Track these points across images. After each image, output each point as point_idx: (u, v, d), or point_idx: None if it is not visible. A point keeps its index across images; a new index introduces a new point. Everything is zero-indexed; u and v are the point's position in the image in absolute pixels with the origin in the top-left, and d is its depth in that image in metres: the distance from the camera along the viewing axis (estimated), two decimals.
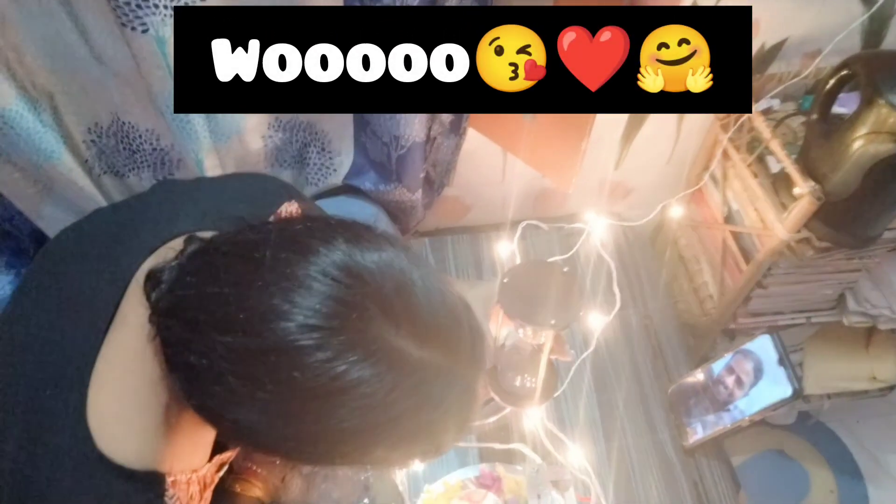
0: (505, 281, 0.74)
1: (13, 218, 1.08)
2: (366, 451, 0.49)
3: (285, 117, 1.09)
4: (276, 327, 0.43)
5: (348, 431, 0.46)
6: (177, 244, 0.54)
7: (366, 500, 0.89)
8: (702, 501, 0.96)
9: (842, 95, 1.02)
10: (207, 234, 0.56)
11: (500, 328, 0.77)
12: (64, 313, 0.54)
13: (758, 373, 0.93)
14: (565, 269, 0.76)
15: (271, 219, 0.65)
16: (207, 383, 0.46)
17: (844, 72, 0.97)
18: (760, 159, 1.16)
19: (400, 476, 0.88)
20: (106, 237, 0.59)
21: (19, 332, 0.56)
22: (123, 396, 0.51)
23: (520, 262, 0.81)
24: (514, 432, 0.97)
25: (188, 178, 1.05)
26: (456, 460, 0.94)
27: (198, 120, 0.98)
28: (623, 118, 1.25)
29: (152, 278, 0.51)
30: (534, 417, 0.96)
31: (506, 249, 1.15)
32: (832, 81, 0.99)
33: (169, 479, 0.52)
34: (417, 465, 0.91)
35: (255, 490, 0.79)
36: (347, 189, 1.19)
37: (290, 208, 0.68)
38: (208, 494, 0.62)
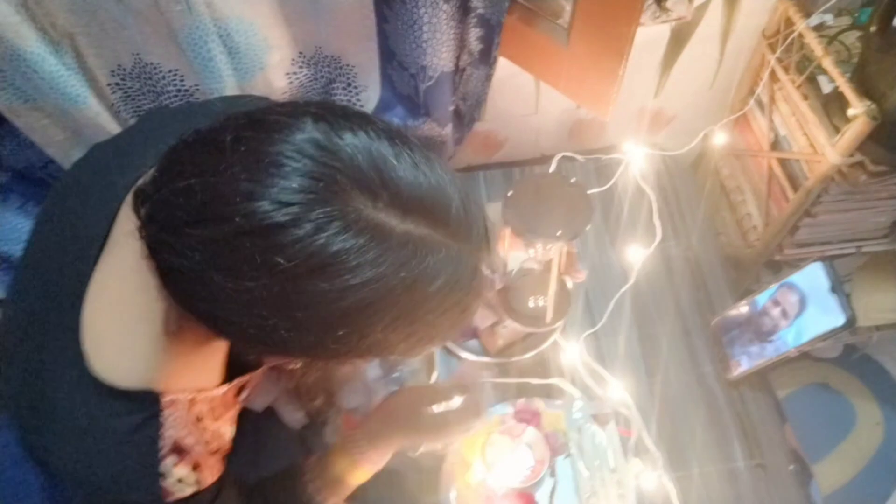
0: (509, 195, 0.71)
1: (46, 165, 1.08)
2: (363, 333, 0.47)
3: (309, 51, 1.05)
4: (245, 209, 0.41)
5: (340, 311, 0.44)
6: None
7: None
8: (747, 434, 0.94)
9: None
10: None
11: (507, 250, 0.74)
12: (63, 243, 0.55)
13: (803, 305, 0.89)
14: (573, 181, 0.72)
15: None
16: (194, 285, 0.45)
17: None
18: (811, 80, 1.09)
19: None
20: (102, 167, 0.60)
21: (28, 269, 0.58)
22: (116, 317, 0.51)
23: (525, 177, 0.78)
24: (552, 367, 0.96)
25: (179, 104, 1.04)
26: (494, 395, 0.93)
27: (220, 57, 0.96)
28: (663, 41, 1.19)
29: (140, 194, 0.49)
30: (572, 352, 0.95)
31: None
32: None
33: (165, 399, 0.52)
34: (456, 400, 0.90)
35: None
36: None
37: None
38: (232, 415, 0.62)
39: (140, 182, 0.52)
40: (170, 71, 1.02)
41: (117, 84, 1.02)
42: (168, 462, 0.53)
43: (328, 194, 0.42)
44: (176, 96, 1.06)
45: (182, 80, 1.04)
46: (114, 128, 1.03)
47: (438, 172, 0.48)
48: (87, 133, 1.02)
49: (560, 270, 0.74)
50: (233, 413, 0.63)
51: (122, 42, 0.96)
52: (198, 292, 0.45)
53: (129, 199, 0.53)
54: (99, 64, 0.98)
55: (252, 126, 0.44)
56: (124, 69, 1.00)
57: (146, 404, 0.51)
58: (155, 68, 1.01)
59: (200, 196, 0.43)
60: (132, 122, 1.08)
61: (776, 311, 0.91)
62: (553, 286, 0.75)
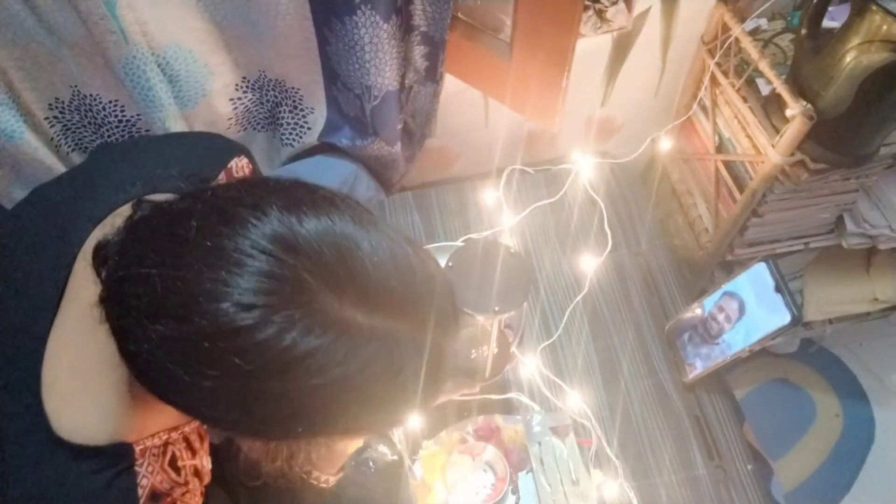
0: (449, 265, 0.71)
1: None
2: (327, 423, 0.46)
3: (253, 76, 1.04)
4: (206, 310, 0.40)
5: (301, 409, 0.44)
6: (124, 211, 0.51)
7: (371, 464, 0.89)
8: (705, 436, 0.95)
9: (832, 9, 0.98)
10: (158, 197, 0.53)
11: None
12: (10, 300, 0.52)
13: (742, 310, 0.91)
14: (512, 251, 0.73)
15: (220, 177, 0.62)
16: (150, 371, 0.44)
17: None
18: (750, 83, 1.12)
19: (398, 433, 0.87)
20: (47, 215, 0.56)
21: None
22: (79, 374, 0.49)
23: (467, 243, 0.78)
24: (511, 382, 0.96)
25: (126, 140, 1.02)
26: (454, 414, 0.93)
27: (160, 86, 0.95)
28: (605, 52, 1.21)
29: (99, 254, 0.48)
30: (530, 365, 0.95)
31: (491, 197, 1.12)
32: None
33: (137, 449, 0.51)
34: (414, 421, 0.89)
35: None
36: (325, 148, 1.15)
37: (240, 163, 0.64)
38: (207, 446, 0.61)
39: (99, 235, 0.50)
40: (110, 102, 1.00)
41: (56, 118, 1.00)
42: None
43: (292, 294, 0.41)
44: (117, 127, 1.04)
45: (123, 111, 1.02)
46: (54, 162, 1.01)
47: (408, 254, 0.47)
48: (27, 170, 0.99)
49: (500, 330, 0.74)
50: (208, 444, 0.62)
51: (58, 75, 0.94)
52: (154, 378, 0.44)
53: (84, 252, 0.51)
54: (35, 98, 0.96)
55: (217, 217, 0.43)
56: (62, 102, 0.98)
57: (119, 458, 0.49)
58: (94, 100, 0.99)
59: (161, 290, 0.41)
60: (73, 156, 1.06)
61: (721, 316, 0.93)
62: (493, 346, 0.75)
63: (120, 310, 0.44)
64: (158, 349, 0.42)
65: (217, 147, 0.65)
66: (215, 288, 0.40)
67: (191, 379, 0.42)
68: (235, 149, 0.66)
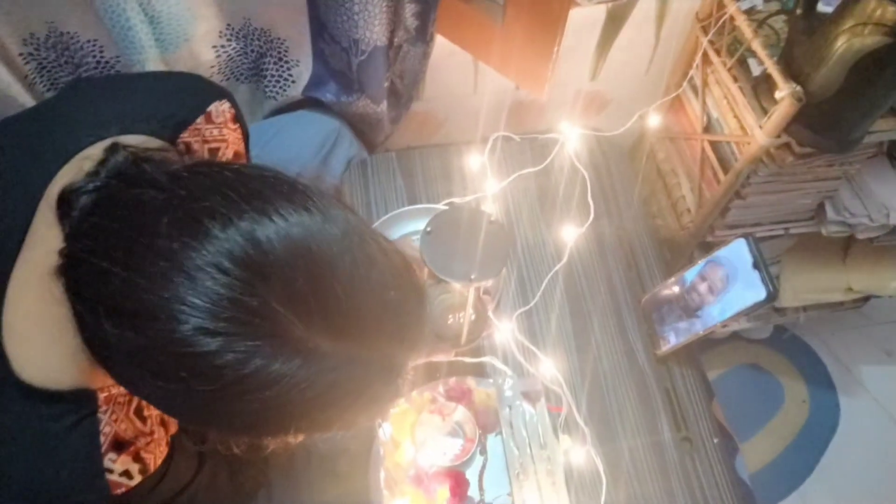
0: (427, 230, 0.70)
1: None
2: (280, 431, 0.47)
3: (238, 23, 1.02)
4: (166, 328, 0.39)
5: (258, 421, 0.44)
6: (93, 153, 0.50)
7: None
8: (674, 408, 0.96)
9: None
10: (130, 139, 0.51)
11: (425, 279, 0.74)
12: None
13: (728, 280, 0.91)
14: (492, 219, 0.72)
15: (199, 121, 0.60)
16: (103, 359, 0.44)
17: None
18: (742, 62, 1.11)
19: None
20: (15, 149, 0.54)
21: None
22: (42, 316, 0.47)
23: (446, 209, 0.78)
24: (485, 346, 0.96)
25: (103, 76, 0.99)
26: (425, 374, 0.92)
27: (141, 27, 0.92)
28: (599, 22, 1.19)
29: (64, 202, 0.46)
30: (505, 330, 0.95)
31: (476, 162, 1.11)
32: None
33: (101, 396, 0.49)
34: None
35: None
36: (308, 102, 1.13)
37: (221, 107, 0.62)
38: None
39: (66, 177, 0.48)
40: (88, 41, 0.97)
41: (31, 54, 0.96)
42: (110, 457, 0.50)
43: (260, 324, 0.40)
44: (95, 68, 1.01)
45: (102, 52, 0.99)
46: (27, 100, 0.98)
47: (382, 272, 0.46)
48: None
49: (478, 297, 0.73)
50: None
51: (34, 8, 0.91)
52: (107, 364, 0.44)
53: (50, 193, 0.48)
54: (8, 32, 0.92)
55: (188, 228, 0.40)
56: (38, 39, 0.95)
57: (81, 404, 0.48)
58: (72, 38, 0.96)
59: (120, 293, 0.40)
60: (49, 95, 1.03)
61: (703, 287, 0.93)
62: (469, 313, 0.74)
63: (77, 298, 0.43)
64: (113, 349, 0.41)
65: (198, 89, 0.63)
66: (174, 307, 0.39)
67: (142, 380, 0.42)
68: (217, 92, 0.63)
